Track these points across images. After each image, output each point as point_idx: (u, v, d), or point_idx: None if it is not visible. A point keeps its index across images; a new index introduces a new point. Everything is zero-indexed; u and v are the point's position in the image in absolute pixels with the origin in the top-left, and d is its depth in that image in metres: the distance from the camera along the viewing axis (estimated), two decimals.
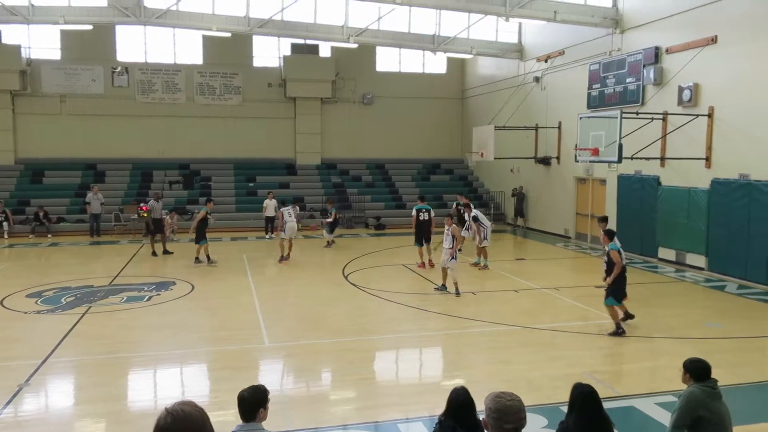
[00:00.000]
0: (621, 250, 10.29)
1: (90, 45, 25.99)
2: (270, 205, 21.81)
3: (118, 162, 26.71)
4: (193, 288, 13.56)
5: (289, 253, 17.13)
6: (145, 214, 22.02)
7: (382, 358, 9.59)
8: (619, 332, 10.00)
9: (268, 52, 28.25)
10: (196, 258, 16.53)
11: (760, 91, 13.75)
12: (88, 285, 13.85)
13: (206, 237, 16.50)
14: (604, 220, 12.51)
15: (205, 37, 26.31)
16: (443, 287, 13.17)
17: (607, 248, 10.30)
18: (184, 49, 27.34)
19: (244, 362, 8.86)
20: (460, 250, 13.43)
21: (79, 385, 8.21)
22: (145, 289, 13.49)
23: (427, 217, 16.22)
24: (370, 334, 10.37)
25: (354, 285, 14.02)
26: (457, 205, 18.93)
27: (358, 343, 9.70)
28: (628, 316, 10.36)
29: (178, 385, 8.38)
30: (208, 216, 16.75)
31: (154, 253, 18.10)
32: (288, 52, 27.93)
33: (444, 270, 13.18)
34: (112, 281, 14.36)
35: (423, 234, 16.15)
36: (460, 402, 4.11)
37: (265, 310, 11.74)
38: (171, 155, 27.24)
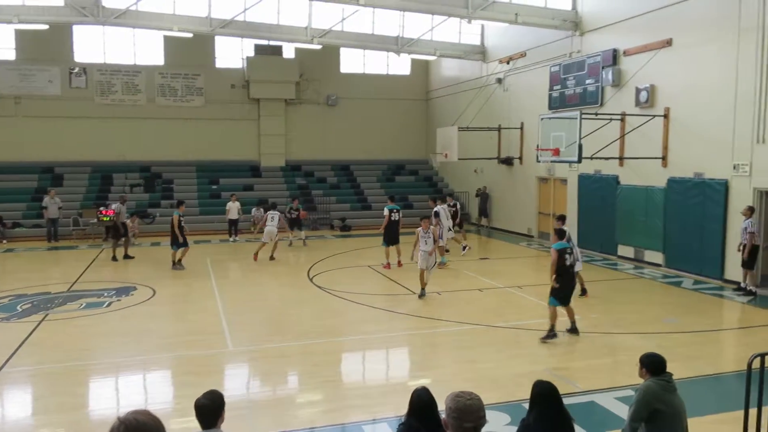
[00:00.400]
0: (570, 250, 9.99)
1: (46, 45, 25.33)
2: (233, 208, 21.59)
3: (76, 165, 26.07)
4: (154, 293, 13.33)
5: (272, 255, 17.63)
6: (107, 218, 21.61)
7: (348, 360, 9.58)
8: (550, 335, 9.68)
9: (231, 53, 27.95)
10: (175, 262, 16.21)
11: (712, 93, 14.18)
12: (46, 292, 13.48)
13: (186, 241, 16.36)
14: (561, 218, 12.60)
15: (166, 38, 25.89)
16: (423, 292, 12.75)
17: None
18: (145, 49, 26.86)
19: (207, 368, 8.73)
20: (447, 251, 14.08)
21: (35, 395, 7.99)
22: (105, 294, 13.20)
23: (397, 218, 16.31)
24: (336, 336, 10.35)
25: (319, 287, 13.97)
26: (453, 205, 19.26)
27: (323, 346, 9.67)
28: (574, 329, 9.96)
29: (139, 392, 8.22)
30: (181, 219, 16.42)
31: (114, 258, 17.70)
32: (251, 53, 27.68)
33: (422, 273, 12.81)
34: (71, 287, 14.02)
35: (392, 234, 16.19)
36: (422, 402, 4.12)
37: (229, 314, 11.61)
38: (132, 158, 26.73)
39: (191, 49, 26.54)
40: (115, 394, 8.20)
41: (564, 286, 9.79)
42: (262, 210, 24.34)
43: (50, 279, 15.17)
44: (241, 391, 8.12)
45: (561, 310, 9.92)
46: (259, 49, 27.58)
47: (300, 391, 8.28)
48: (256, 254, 17.44)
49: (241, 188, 25.88)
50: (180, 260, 16.21)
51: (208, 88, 27.65)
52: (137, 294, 13.25)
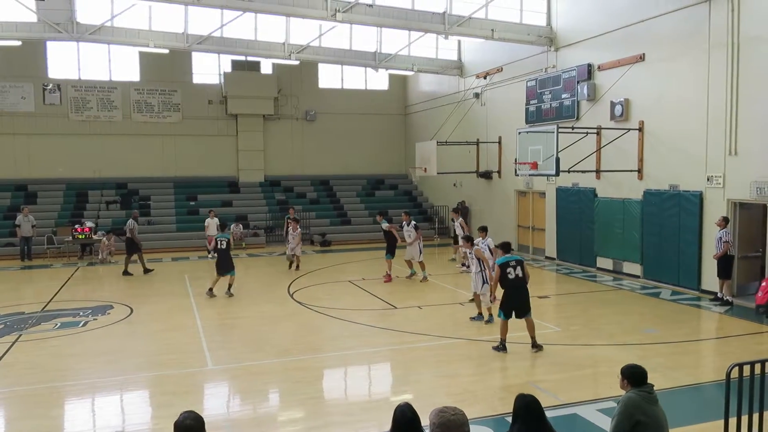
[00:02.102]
0: (515, 263, 9.75)
1: (19, 61, 25.00)
2: (212, 224, 21.37)
3: (50, 182, 25.68)
4: (132, 311, 13.11)
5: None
6: (82, 236, 21.30)
7: (329, 376, 9.49)
8: (499, 348, 9.67)
9: (208, 69, 27.87)
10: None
11: (685, 106, 14.46)
12: (19, 312, 13.18)
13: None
14: (483, 229, 13.20)
15: (141, 54, 25.75)
16: (479, 316, 11.88)
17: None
18: (120, 65, 26.66)
19: (186, 387, 8.58)
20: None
21: (8, 418, 7.77)
22: (81, 314, 12.95)
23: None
24: (317, 353, 10.26)
25: (300, 303, 13.86)
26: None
27: (304, 362, 9.58)
28: (534, 344, 9.77)
29: (116, 414, 8.04)
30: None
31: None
32: (229, 69, 27.63)
33: (477, 297, 11.97)
34: (45, 307, 13.73)
35: (392, 247, 16.59)
36: (405, 418, 4.08)
37: (208, 331, 11.46)
38: (107, 174, 26.41)
39: (167, 65, 26.39)
40: (91, 416, 8.00)
41: (507, 300, 9.73)
42: (241, 226, 24.25)
43: (23, 299, 14.86)
44: (221, 409, 7.98)
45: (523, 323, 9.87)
46: (236, 64, 27.55)
47: (281, 409, 8.18)
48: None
49: (220, 204, 25.69)
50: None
51: (185, 104, 27.49)
52: (114, 313, 13.02)
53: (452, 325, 11.68)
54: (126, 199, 25.69)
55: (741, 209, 13.56)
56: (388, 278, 16.25)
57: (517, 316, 9.79)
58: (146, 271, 18.08)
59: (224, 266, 14.78)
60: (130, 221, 18.55)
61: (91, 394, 8.52)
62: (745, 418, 5.73)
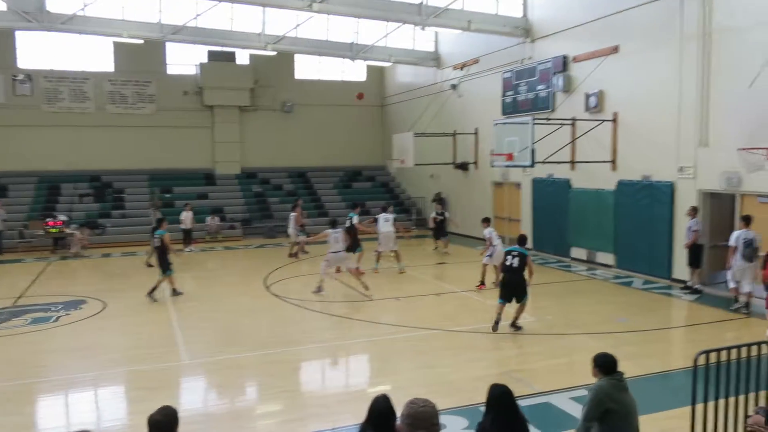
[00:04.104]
0: (516, 253, 10.59)
1: None
2: (188, 217, 21.16)
3: (22, 175, 25.16)
4: (105, 306, 12.95)
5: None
6: (55, 230, 20.97)
7: (306, 368, 9.50)
8: (493, 327, 10.36)
9: (184, 60, 27.48)
10: (174, 290, 13.89)
11: (658, 98, 14.65)
12: None
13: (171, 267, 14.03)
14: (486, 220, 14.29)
15: (115, 44, 25.30)
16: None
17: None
18: (93, 56, 26.16)
19: (160, 382, 8.51)
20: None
21: None
22: (53, 309, 12.75)
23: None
24: (294, 345, 10.24)
25: (276, 295, 13.82)
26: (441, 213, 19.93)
27: (281, 355, 9.56)
28: (513, 323, 10.59)
29: (90, 410, 7.96)
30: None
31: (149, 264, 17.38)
32: (204, 60, 27.28)
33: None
34: (16, 302, 13.50)
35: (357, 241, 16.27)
36: (380, 410, 4.12)
37: (183, 325, 11.37)
38: (80, 167, 25.96)
39: (142, 56, 25.97)
40: (64, 412, 7.91)
41: (503, 284, 10.64)
42: (217, 219, 24.04)
43: None
44: (197, 404, 7.95)
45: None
46: (212, 55, 27.21)
47: (258, 402, 8.17)
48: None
49: (196, 197, 25.43)
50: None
51: (159, 95, 27.11)
52: (87, 307, 12.85)
53: (429, 316, 11.75)
54: (99, 191, 25.31)
55: (711, 199, 13.81)
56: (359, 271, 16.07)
57: (508, 301, 10.52)
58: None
59: (160, 266, 13.79)
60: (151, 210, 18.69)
61: (64, 390, 8.42)
62: (711, 405, 5.86)
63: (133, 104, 26.85)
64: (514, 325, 10.54)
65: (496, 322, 10.39)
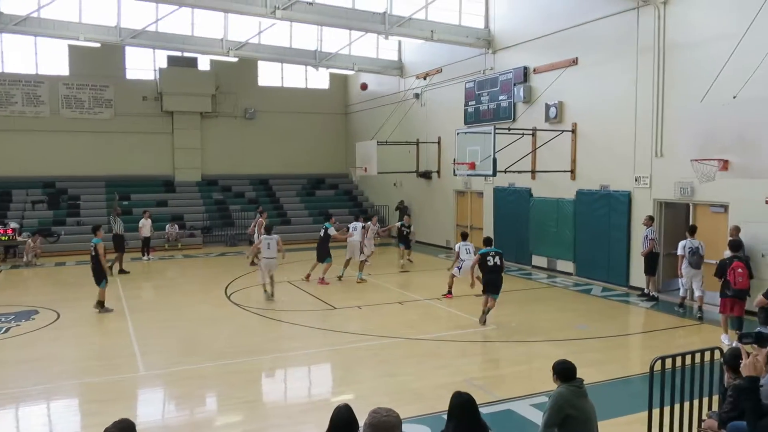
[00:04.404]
0: (494, 253, 11.69)
1: None
2: (146, 225, 20.70)
3: None
4: (58, 316, 12.53)
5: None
6: (5, 237, 20.28)
7: (268, 378, 9.36)
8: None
9: (143, 64, 27.00)
10: (100, 303, 12.98)
11: (615, 109, 15.02)
12: None
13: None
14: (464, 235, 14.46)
15: (71, 47, 24.68)
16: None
17: None
18: (48, 58, 25.48)
19: (115, 394, 8.26)
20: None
21: None
22: (3, 320, 12.28)
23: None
24: (255, 355, 10.08)
25: (237, 304, 13.61)
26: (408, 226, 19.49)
27: (241, 365, 9.40)
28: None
29: (41, 424, 7.68)
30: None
31: (121, 271, 17.64)
32: (164, 65, 26.85)
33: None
34: None
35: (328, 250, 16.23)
36: (341, 420, 4.07)
37: (141, 335, 11.08)
38: (34, 173, 25.18)
39: (99, 60, 25.40)
40: (14, 427, 7.59)
41: (490, 283, 11.63)
42: (177, 226, 23.61)
43: None
44: (154, 416, 7.74)
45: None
46: (172, 60, 26.80)
47: (218, 413, 8.00)
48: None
49: (155, 204, 24.93)
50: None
51: (117, 100, 26.54)
52: (39, 318, 12.42)
53: (392, 325, 11.73)
54: (53, 198, 24.58)
55: (666, 208, 14.20)
56: (322, 281, 15.98)
57: (489, 293, 11.62)
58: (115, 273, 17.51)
59: (95, 276, 12.99)
60: (113, 217, 18.67)
61: (14, 404, 8.08)
62: (668, 409, 5.98)
63: (90, 109, 26.22)
64: (484, 321, 11.51)
65: (487, 313, 11.57)
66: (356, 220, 17.47)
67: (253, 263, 18.69)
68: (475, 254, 13.05)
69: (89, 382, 8.74)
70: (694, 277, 12.00)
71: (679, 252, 12.10)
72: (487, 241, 12.38)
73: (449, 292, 14.14)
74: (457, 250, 14.06)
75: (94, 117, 26.26)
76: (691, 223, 13.03)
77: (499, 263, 11.65)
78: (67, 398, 8.45)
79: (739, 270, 9.98)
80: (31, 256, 19.89)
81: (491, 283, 11.60)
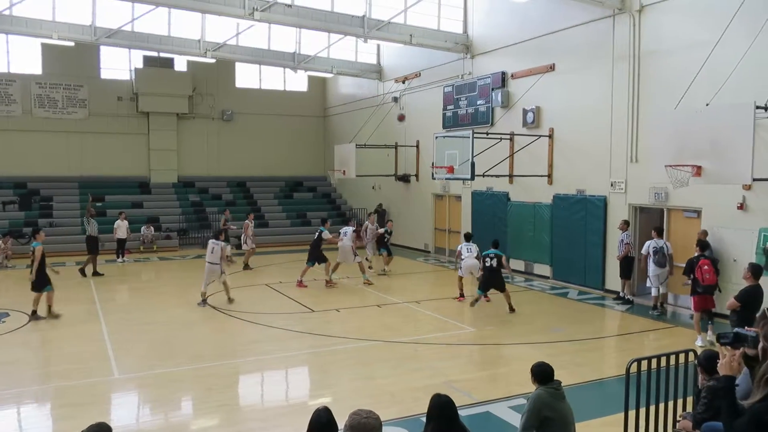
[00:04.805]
0: (492, 255, 12.99)
1: None
2: (122, 226, 20.41)
3: None
4: (30, 319, 12.28)
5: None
6: None
7: (244, 382, 9.28)
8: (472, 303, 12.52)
9: (118, 64, 26.64)
10: (44, 309, 12.44)
11: (591, 115, 15.21)
12: None
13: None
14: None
15: (44, 46, 24.23)
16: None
17: None
18: (20, 57, 25.01)
19: (88, 398, 8.11)
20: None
21: None
22: None
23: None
24: (231, 358, 9.99)
25: (213, 307, 13.47)
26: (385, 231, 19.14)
27: (217, 369, 9.30)
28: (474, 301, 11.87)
29: (13, 429, 7.49)
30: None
31: (95, 273, 17.41)
32: (140, 65, 26.53)
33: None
34: None
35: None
36: (320, 423, 4.04)
37: (115, 339, 10.91)
38: (5, 173, 24.67)
39: (73, 59, 25.01)
40: None
41: (484, 280, 13.07)
42: (152, 228, 23.32)
43: None
44: (129, 420, 7.62)
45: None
46: (148, 60, 26.49)
47: (194, 417, 7.92)
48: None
49: (130, 206, 24.59)
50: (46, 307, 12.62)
51: (92, 99, 26.14)
52: (10, 321, 12.16)
53: (370, 328, 11.72)
54: (25, 199, 24.11)
55: (641, 213, 14.41)
56: (327, 283, 15.89)
57: (486, 291, 13.16)
58: (87, 274, 17.48)
59: (36, 281, 12.32)
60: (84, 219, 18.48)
61: None
62: (643, 411, 6.06)
63: (64, 109, 25.79)
64: (512, 309, 12.88)
65: (476, 300, 13.13)
66: (346, 224, 17.43)
67: (247, 267, 18.58)
68: (475, 253, 14.00)
69: (63, 386, 8.57)
70: (659, 276, 12.68)
71: (644, 251, 12.84)
72: (495, 244, 13.55)
73: (461, 295, 14.24)
74: (458, 249, 14.39)
75: (67, 117, 25.84)
76: (656, 225, 13.43)
77: (495, 266, 12.87)
78: (40, 403, 8.28)
79: (705, 267, 10.47)
80: (1, 258, 19.47)
81: (483, 281, 13.03)
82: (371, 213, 19.33)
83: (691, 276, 10.58)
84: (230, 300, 13.76)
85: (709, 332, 10.63)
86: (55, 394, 8.40)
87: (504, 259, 13.16)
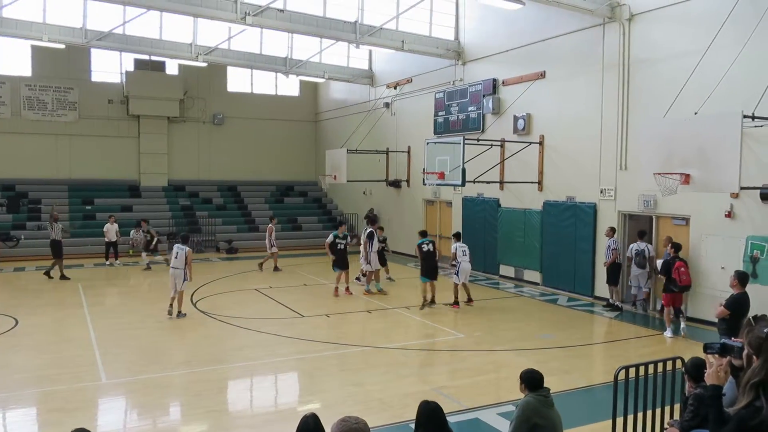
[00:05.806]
0: (428, 242, 14.38)
1: None
2: (111, 230, 20.29)
3: None
4: (16, 323, 12.17)
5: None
6: None
7: (233, 387, 9.24)
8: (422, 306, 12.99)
9: (109, 67, 26.53)
10: None
11: (581, 122, 15.30)
12: None
13: None
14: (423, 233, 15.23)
15: (34, 48, 24.10)
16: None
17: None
18: (9, 58, 24.84)
19: (76, 403, 8.05)
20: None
21: None
22: None
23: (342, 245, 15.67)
24: (220, 364, 9.94)
25: (203, 312, 13.41)
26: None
27: (206, 374, 9.26)
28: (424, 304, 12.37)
29: None
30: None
31: (62, 277, 17.27)
32: (131, 68, 26.43)
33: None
34: None
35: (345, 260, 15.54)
36: (309, 429, 4.04)
37: (103, 343, 10.83)
38: None
39: (63, 61, 24.89)
40: None
41: (422, 267, 13.89)
42: (141, 232, 23.17)
43: None
44: (116, 425, 7.57)
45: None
46: (139, 63, 26.40)
47: (182, 423, 7.87)
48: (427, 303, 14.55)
49: (119, 209, 24.44)
50: None
51: (82, 102, 26.01)
52: None
53: (359, 334, 11.71)
54: (13, 201, 23.92)
55: (630, 220, 14.50)
56: (343, 292, 15.46)
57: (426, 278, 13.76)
58: (55, 276, 17.39)
59: None
60: (47, 222, 18.16)
61: None
62: (631, 418, 6.09)
63: (54, 111, 25.63)
64: (434, 303, 13.64)
65: (425, 300, 13.71)
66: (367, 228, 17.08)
67: (276, 269, 18.80)
68: (468, 256, 14.13)
69: (50, 391, 8.49)
70: (639, 276, 13.43)
71: (628, 254, 13.64)
72: (458, 236, 14.47)
73: (456, 303, 13.88)
74: (453, 251, 14.03)
75: (57, 119, 25.69)
76: (640, 230, 13.80)
77: (432, 249, 13.93)
78: (27, 407, 8.20)
79: (682, 269, 11.31)
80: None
81: (425, 268, 13.79)
82: (378, 226, 18.28)
83: (668, 275, 11.34)
84: (179, 313, 12.75)
85: (682, 324, 11.60)
86: (43, 398, 8.32)
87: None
